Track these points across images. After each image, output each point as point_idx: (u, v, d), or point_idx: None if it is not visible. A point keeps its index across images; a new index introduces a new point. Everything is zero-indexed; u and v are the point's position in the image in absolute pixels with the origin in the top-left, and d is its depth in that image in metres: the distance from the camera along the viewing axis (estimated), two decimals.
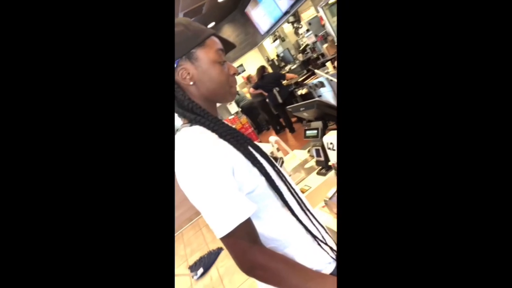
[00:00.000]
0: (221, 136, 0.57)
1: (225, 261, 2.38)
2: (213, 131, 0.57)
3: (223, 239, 0.52)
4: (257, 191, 0.57)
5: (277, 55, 6.24)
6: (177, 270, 2.69)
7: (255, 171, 0.58)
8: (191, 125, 0.58)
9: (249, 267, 0.53)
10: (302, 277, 0.54)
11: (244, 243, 0.53)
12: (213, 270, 2.37)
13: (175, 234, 3.45)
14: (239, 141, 0.58)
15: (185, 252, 2.93)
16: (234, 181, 0.53)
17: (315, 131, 1.36)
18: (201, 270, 2.37)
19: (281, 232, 0.60)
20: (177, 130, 0.62)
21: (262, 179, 0.58)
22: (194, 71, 0.59)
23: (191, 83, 0.59)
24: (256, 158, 0.58)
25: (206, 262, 2.46)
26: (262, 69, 4.65)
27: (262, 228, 0.58)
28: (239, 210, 0.52)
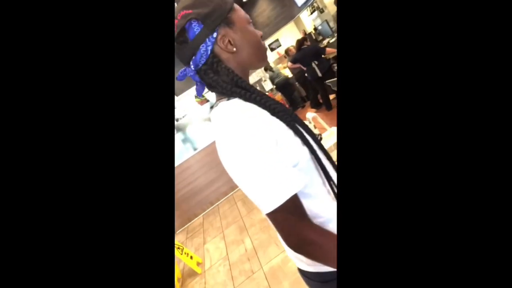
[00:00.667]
0: (262, 107, 0.55)
1: (259, 234, 2.46)
2: (254, 102, 0.55)
3: (271, 214, 0.51)
4: (300, 164, 0.55)
5: (315, 28, 5.92)
6: (213, 240, 2.85)
7: (298, 142, 0.55)
8: (228, 99, 0.57)
9: (298, 243, 0.53)
10: None
11: (293, 218, 0.52)
12: (247, 242, 2.47)
13: (212, 207, 3.62)
14: (280, 112, 0.55)
15: (221, 224, 3.07)
16: (280, 153, 0.52)
17: None
18: None
19: (325, 208, 0.59)
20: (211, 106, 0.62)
21: (306, 151, 0.56)
22: (234, 35, 0.57)
23: (234, 49, 0.58)
24: (298, 129, 0.56)
25: None
26: (302, 40, 4.42)
27: (307, 204, 0.56)
28: (289, 183, 0.50)
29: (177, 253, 2.33)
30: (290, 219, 0.52)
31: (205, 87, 0.61)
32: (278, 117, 0.54)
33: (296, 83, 5.36)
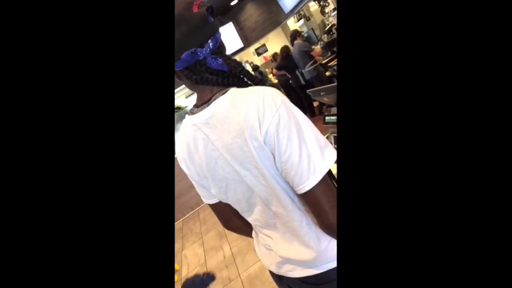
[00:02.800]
0: None
1: (239, 240, 2.43)
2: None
3: (316, 186, 0.51)
4: None
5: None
6: (191, 246, 2.79)
7: None
8: (227, 89, 0.57)
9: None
10: None
11: (333, 195, 0.52)
12: (226, 248, 2.44)
13: (192, 212, 3.56)
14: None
15: (201, 230, 3.02)
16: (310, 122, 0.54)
17: (335, 117, 1.30)
18: None
19: None
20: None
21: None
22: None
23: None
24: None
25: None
26: (286, 48, 4.48)
27: None
28: (329, 150, 0.52)
29: None
30: (332, 191, 0.52)
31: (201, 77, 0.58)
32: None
33: (281, 89, 5.39)
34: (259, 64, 6.65)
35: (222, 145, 0.56)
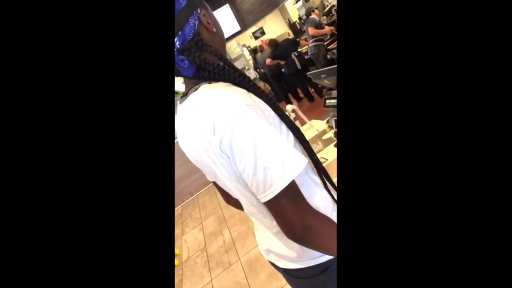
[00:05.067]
0: (248, 89, 0.52)
1: (238, 225, 2.45)
2: (240, 85, 0.52)
3: (274, 199, 0.47)
4: None
5: (299, 18, 5.86)
6: (191, 232, 2.82)
7: (284, 127, 0.53)
8: (210, 83, 0.53)
9: (302, 229, 0.49)
10: None
11: (297, 202, 0.49)
12: (226, 234, 2.46)
13: (191, 198, 3.57)
14: (264, 95, 0.53)
15: (200, 215, 3.04)
16: (277, 132, 0.49)
17: (336, 101, 1.27)
18: None
19: (313, 195, 0.57)
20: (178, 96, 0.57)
21: (291, 137, 0.54)
22: (210, 17, 0.56)
23: (214, 29, 0.56)
24: (284, 115, 0.54)
25: None
26: (272, 41, 4.47)
27: None
28: (294, 161, 0.47)
29: None
30: (294, 204, 0.49)
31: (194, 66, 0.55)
32: (255, 94, 0.52)
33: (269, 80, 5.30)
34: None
35: (192, 143, 0.54)
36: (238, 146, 0.46)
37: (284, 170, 0.46)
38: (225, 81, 0.52)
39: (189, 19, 0.51)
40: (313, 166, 0.59)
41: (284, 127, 0.53)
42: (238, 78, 0.52)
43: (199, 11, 0.53)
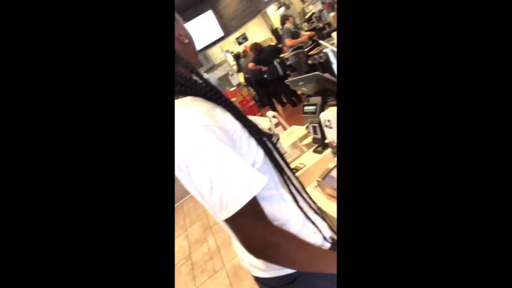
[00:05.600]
0: (217, 104, 0.53)
1: (223, 232, 2.44)
2: (210, 100, 0.53)
3: (231, 218, 0.48)
4: (256, 165, 0.53)
5: (282, 24, 5.95)
6: (176, 240, 2.78)
7: (253, 143, 0.54)
8: (177, 97, 0.53)
9: (262, 247, 0.50)
10: (309, 255, 0.53)
11: (256, 221, 0.49)
12: (210, 240, 2.45)
13: (176, 205, 3.53)
14: (236, 110, 0.54)
15: (185, 223, 3.01)
16: (237, 151, 0.49)
17: (313, 107, 1.31)
18: None
19: (280, 210, 0.58)
20: None
21: (261, 153, 0.54)
22: (183, 28, 0.58)
23: (187, 40, 0.58)
24: (255, 127, 0.55)
25: None
26: (256, 45, 4.52)
27: (263, 207, 0.54)
28: (251, 182, 0.47)
29: None
30: (252, 221, 0.49)
31: None
32: (224, 108, 0.53)
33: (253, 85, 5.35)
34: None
35: None
36: (194, 167, 0.47)
37: (239, 191, 0.47)
38: (195, 95, 0.53)
39: None
40: (285, 180, 0.59)
41: (253, 142, 0.54)
42: (209, 93, 0.53)
43: None
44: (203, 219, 2.85)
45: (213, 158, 0.47)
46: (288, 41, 4.10)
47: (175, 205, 3.53)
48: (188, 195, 3.55)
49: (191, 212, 3.15)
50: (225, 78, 6.35)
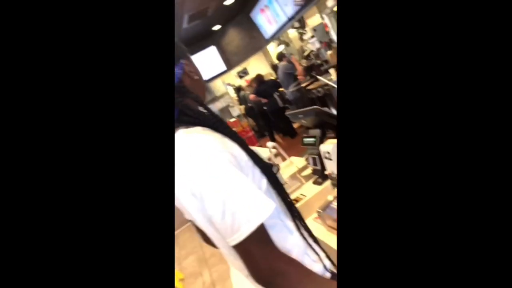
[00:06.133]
0: (224, 134, 0.56)
1: (219, 266, 2.35)
2: (216, 130, 0.56)
3: (241, 243, 0.48)
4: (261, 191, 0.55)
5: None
6: None
7: (257, 171, 0.56)
8: (187, 127, 0.56)
9: (269, 275, 0.49)
10: (314, 285, 0.53)
11: (264, 246, 0.50)
12: (205, 275, 2.35)
13: None
14: (241, 140, 0.57)
15: (180, 255, 2.90)
16: (245, 177, 0.51)
17: (313, 139, 1.34)
18: None
19: (283, 239, 0.58)
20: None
21: (264, 181, 0.56)
22: (193, 66, 0.64)
23: (196, 77, 0.63)
24: (259, 157, 0.57)
25: None
26: (259, 77, 4.74)
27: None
28: (261, 206, 0.49)
29: None
30: (261, 248, 0.50)
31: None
32: (230, 138, 0.55)
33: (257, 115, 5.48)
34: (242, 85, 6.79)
35: None
36: (207, 191, 0.49)
37: (251, 215, 0.48)
38: (203, 126, 0.56)
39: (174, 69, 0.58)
40: (286, 209, 0.60)
41: (257, 171, 0.56)
42: (216, 124, 0.56)
43: (182, 62, 0.60)
44: (198, 252, 2.76)
45: (226, 183, 0.49)
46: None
47: None
48: (184, 226, 3.46)
49: (186, 244, 3.06)
50: (225, 109, 6.50)
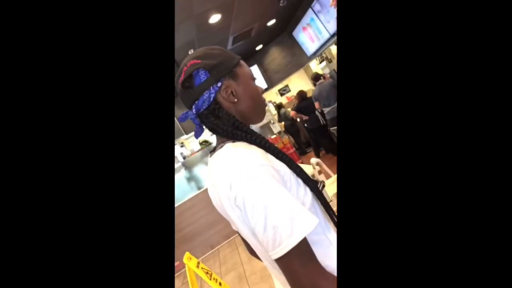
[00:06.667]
0: (267, 150, 0.57)
1: (260, 284, 2.30)
2: (256, 144, 0.57)
3: (283, 257, 0.48)
4: (305, 207, 0.54)
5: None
6: None
7: (301, 186, 0.56)
8: (234, 141, 0.59)
9: None
10: None
11: (306, 261, 0.49)
12: None
13: (212, 251, 3.46)
14: (283, 156, 0.58)
15: (220, 270, 2.91)
16: (288, 192, 0.51)
17: None
18: None
19: (327, 256, 0.56)
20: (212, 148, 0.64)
21: (309, 196, 0.56)
22: (237, 87, 0.63)
23: (235, 100, 0.62)
24: (303, 171, 0.57)
25: None
26: (301, 93, 4.68)
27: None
28: (304, 221, 0.48)
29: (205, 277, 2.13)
30: (304, 263, 0.49)
31: (203, 131, 0.65)
32: (272, 154, 0.57)
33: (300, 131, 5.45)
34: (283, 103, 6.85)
35: (216, 194, 0.59)
36: (250, 204, 0.50)
37: (293, 230, 0.48)
38: (247, 142, 0.58)
39: (204, 93, 0.59)
40: (332, 224, 0.59)
41: (301, 187, 0.56)
42: (257, 140, 0.57)
43: (219, 85, 0.60)
44: (239, 268, 2.74)
45: (268, 196, 0.49)
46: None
47: (212, 251, 3.47)
48: (225, 241, 3.49)
49: (227, 259, 3.06)
50: (266, 126, 6.57)
